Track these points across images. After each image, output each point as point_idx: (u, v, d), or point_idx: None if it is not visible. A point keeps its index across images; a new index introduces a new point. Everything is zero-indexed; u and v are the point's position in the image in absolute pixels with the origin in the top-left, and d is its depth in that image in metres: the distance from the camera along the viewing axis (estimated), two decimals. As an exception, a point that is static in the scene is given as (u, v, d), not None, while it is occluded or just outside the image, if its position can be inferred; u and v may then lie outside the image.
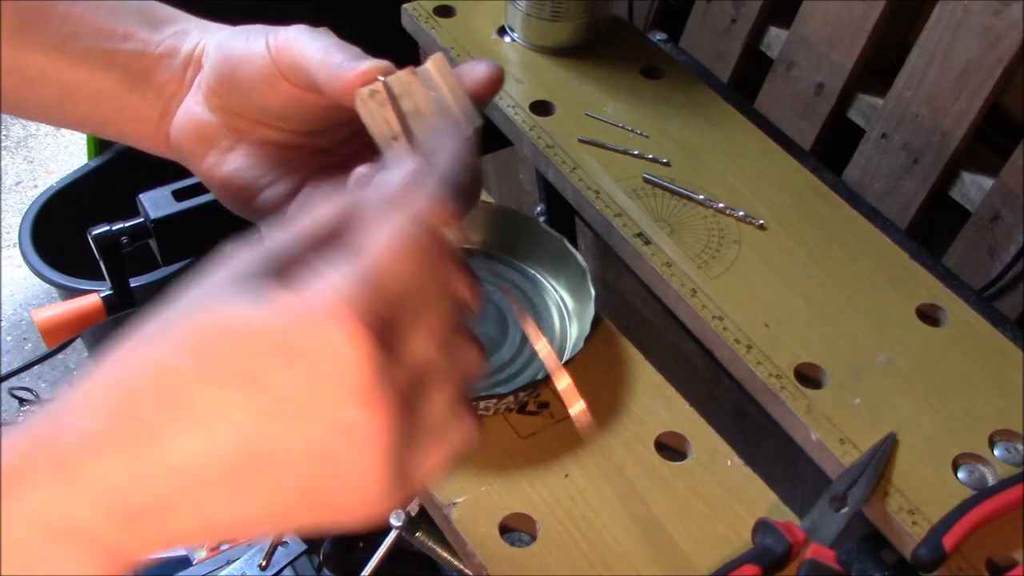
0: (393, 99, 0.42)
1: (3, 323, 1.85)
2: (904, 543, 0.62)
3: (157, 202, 0.78)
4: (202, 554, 1.28)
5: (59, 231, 1.52)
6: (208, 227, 0.75)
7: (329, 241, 0.33)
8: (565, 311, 0.75)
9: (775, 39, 1.00)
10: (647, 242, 0.77)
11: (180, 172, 0.54)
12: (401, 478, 0.34)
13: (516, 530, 0.63)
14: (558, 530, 0.62)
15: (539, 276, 0.77)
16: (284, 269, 0.32)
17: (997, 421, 0.67)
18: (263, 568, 1.19)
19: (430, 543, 0.80)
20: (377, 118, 0.42)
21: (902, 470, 0.65)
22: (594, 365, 0.71)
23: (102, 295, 0.80)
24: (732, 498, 0.65)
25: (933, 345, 0.72)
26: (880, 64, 0.94)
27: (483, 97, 0.44)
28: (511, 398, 0.67)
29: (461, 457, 0.36)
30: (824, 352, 0.71)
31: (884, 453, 0.65)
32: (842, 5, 0.91)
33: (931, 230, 0.90)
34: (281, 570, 1.20)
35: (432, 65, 0.43)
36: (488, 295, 0.75)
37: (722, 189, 0.82)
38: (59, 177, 1.63)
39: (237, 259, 0.33)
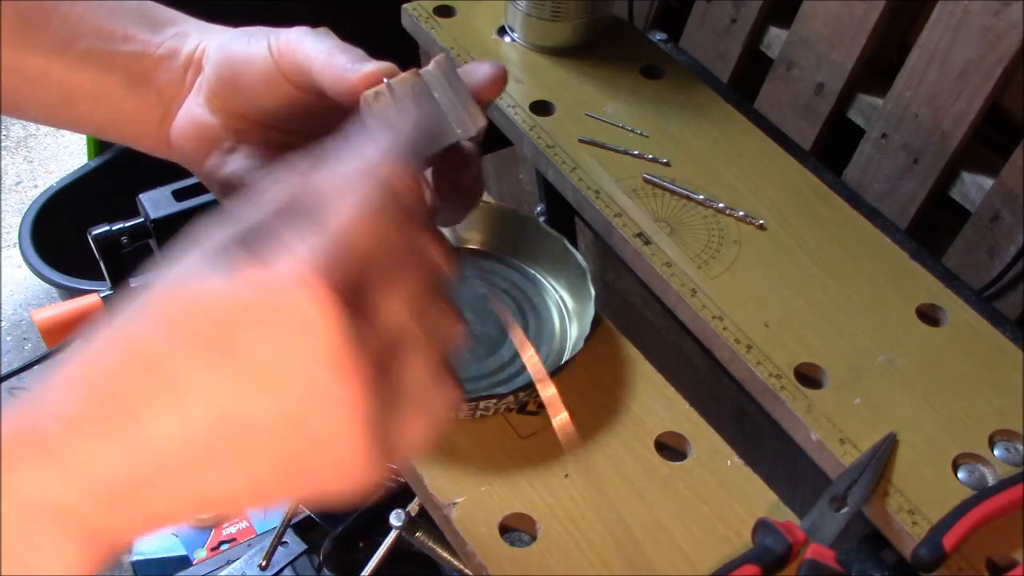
0: (396, 101, 0.42)
1: (3, 323, 1.85)
2: (904, 543, 0.62)
3: (157, 202, 0.78)
4: (202, 554, 1.28)
5: (59, 231, 1.52)
6: (208, 227, 0.75)
7: (295, 213, 0.33)
8: (565, 311, 0.75)
9: (775, 39, 1.00)
10: (647, 242, 0.78)
11: (180, 172, 0.55)
12: (383, 446, 0.34)
13: (516, 530, 0.63)
14: (558, 530, 0.62)
15: (539, 276, 0.77)
16: (253, 243, 0.32)
17: (997, 421, 0.67)
18: (263, 568, 1.19)
19: (430, 543, 0.80)
20: (382, 120, 0.42)
21: (902, 470, 0.65)
22: (594, 365, 0.71)
23: (102, 295, 0.80)
24: (732, 498, 0.65)
25: (933, 345, 0.72)
26: (880, 64, 0.94)
27: (486, 98, 0.44)
28: (511, 398, 0.67)
29: (444, 425, 0.37)
30: (824, 352, 0.71)
31: (884, 453, 0.65)
32: (842, 5, 0.91)
33: (931, 230, 0.90)
34: (281, 570, 1.20)
35: (436, 67, 0.43)
36: (488, 295, 0.75)
37: (722, 189, 0.82)
38: (59, 177, 1.63)
39: (206, 236, 0.33)
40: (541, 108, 0.88)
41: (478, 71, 0.44)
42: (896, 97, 0.89)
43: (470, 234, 0.79)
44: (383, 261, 0.33)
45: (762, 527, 0.62)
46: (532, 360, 0.50)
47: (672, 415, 0.69)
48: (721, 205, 0.81)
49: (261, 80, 0.47)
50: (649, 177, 0.83)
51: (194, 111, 0.49)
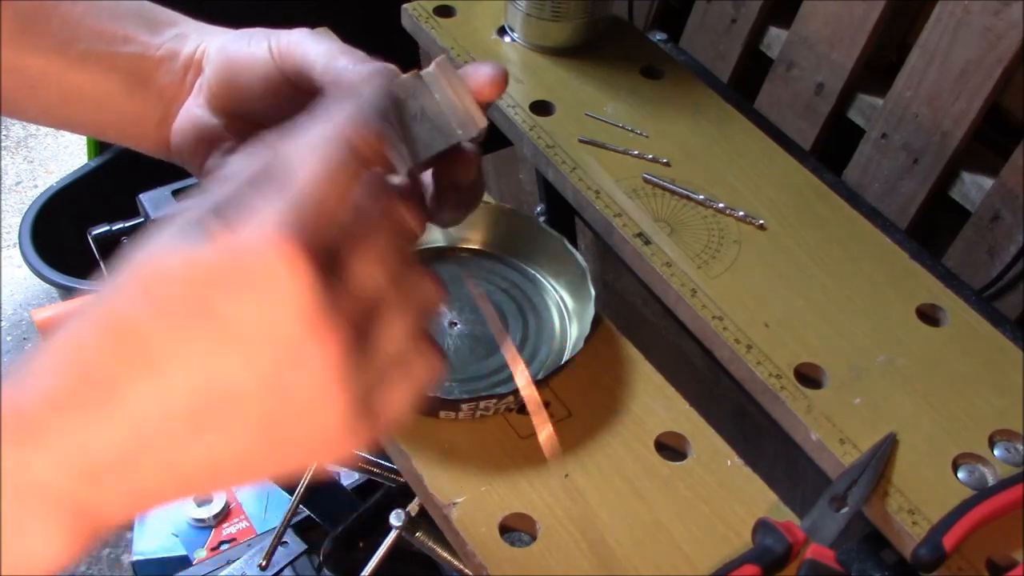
0: (397, 103, 0.42)
1: (3, 323, 1.85)
2: (904, 543, 0.62)
3: (157, 202, 0.78)
4: (202, 554, 1.29)
5: (59, 231, 1.52)
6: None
7: (264, 180, 0.34)
8: (565, 311, 0.75)
9: (775, 39, 1.00)
10: (647, 242, 0.78)
11: (180, 172, 0.55)
12: (364, 411, 0.34)
13: (516, 530, 0.63)
14: (558, 530, 0.62)
15: (539, 276, 0.77)
16: (225, 213, 0.33)
17: (997, 421, 0.67)
18: (263, 568, 1.19)
19: (430, 543, 0.80)
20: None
21: (902, 470, 0.65)
22: (594, 365, 0.71)
23: (102, 295, 0.80)
24: (732, 498, 0.65)
25: (933, 345, 0.73)
26: (880, 64, 0.94)
27: (487, 98, 0.44)
28: (511, 398, 0.67)
29: (426, 392, 0.37)
30: (824, 352, 0.71)
31: (884, 453, 0.65)
32: (842, 5, 0.91)
33: (931, 230, 0.90)
34: (281, 570, 1.20)
35: (436, 68, 0.43)
36: (488, 295, 0.75)
37: (722, 189, 0.82)
38: (59, 177, 1.63)
39: (179, 212, 0.33)
40: (541, 108, 0.88)
41: (478, 72, 0.44)
42: (896, 97, 0.89)
43: (470, 234, 0.78)
44: (350, 219, 0.34)
45: (762, 527, 0.62)
46: (523, 377, 0.50)
47: (672, 415, 0.69)
48: (721, 205, 0.81)
49: (261, 81, 0.47)
50: (649, 177, 0.83)
51: (194, 112, 0.50)
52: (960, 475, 0.65)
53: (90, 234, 0.77)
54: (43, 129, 2.21)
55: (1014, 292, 0.84)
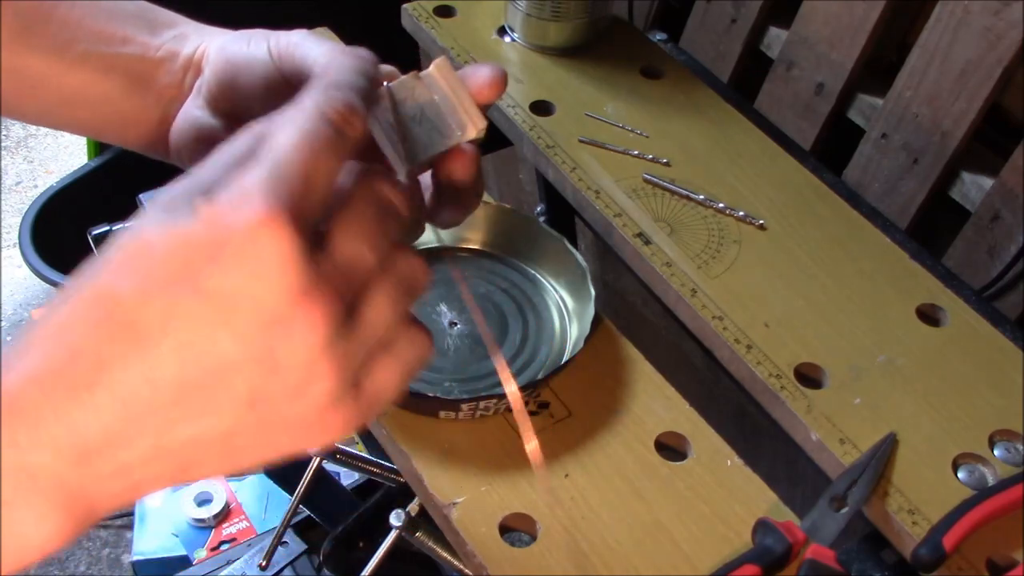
0: (396, 104, 0.42)
1: (3, 323, 1.85)
2: (904, 543, 0.62)
3: (157, 202, 0.78)
4: (202, 554, 1.29)
5: (59, 231, 1.52)
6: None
7: (245, 157, 0.34)
8: (565, 311, 0.75)
9: (775, 39, 1.00)
10: (647, 242, 0.78)
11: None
12: (352, 388, 0.35)
13: (516, 530, 0.63)
14: (558, 530, 0.62)
15: (539, 276, 0.77)
16: (208, 189, 0.33)
17: (997, 421, 0.67)
18: (263, 568, 1.19)
19: (430, 543, 0.80)
20: (382, 123, 0.42)
21: (902, 470, 0.65)
22: (594, 365, 0.71)
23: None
24: (732, 498, 0.65)
25: (933, 345, 0.73)
26: (880, 64, 0.94)
27: (486, 99, 0.44)
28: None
29: (415, 371, 0.37)
30: (824, 352, 0.71)
31: (884, 453, 0.65)
32: (842, 5, 0.91)
33: (931, 230, 0.90)
34: (281, 570, 1.20)
35: (436, 69, 0.43)
36: (488, 295, 0.75)
37: (722, 189, 0.83)
38: (59, 177, 1.63)
39: (164, 193, 0.34)
40: (541, 108, 0.88)
41: (478, 73, 0.44)
42: (896, 97, 0.89)
43: (470, 234, 0.78)
44: (333, 192, 0.34)
45: (762, 527, 0.62)
46: (512, 392, 0.50)
47: (672, 415, 0.69)
48: (721, 205, 0.81)
49: (261, 82, 0.47)
50: (649, 177, 0.83)
51: (193, 113, 0.49)
52: (960, 475, 0.65)
53: (90, 234, 0.77)
54: (43, 129, 2.21)
55: (1014, 292, 0.84)
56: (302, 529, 1.23)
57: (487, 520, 0.63)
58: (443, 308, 0.73)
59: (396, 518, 0.79)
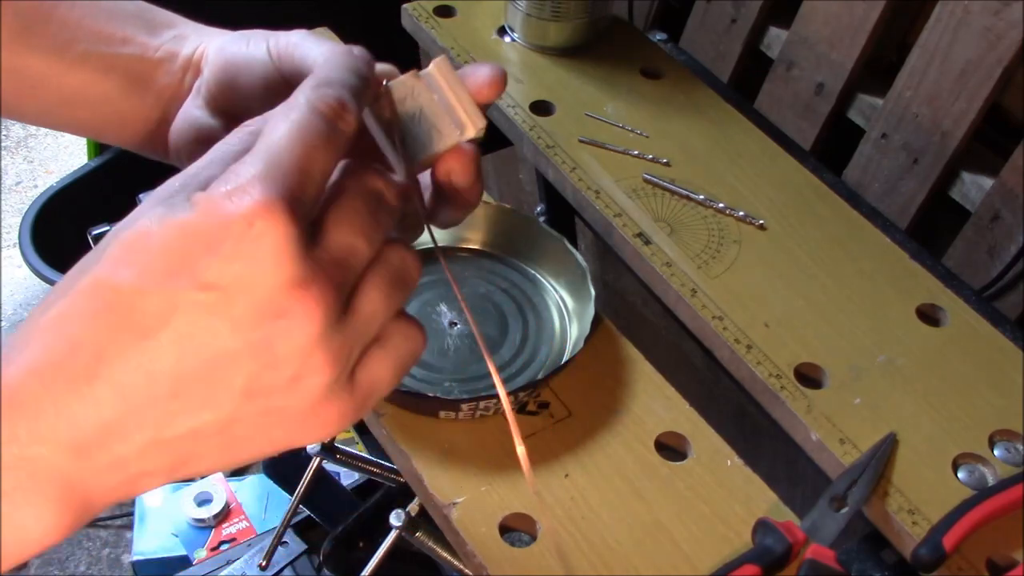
0: (396, 103, 0.42)
1: (3, 323, 1.85)
2: (904, 543, 0.62)
3: (157, 202, 0.78)
4: (202, 554, 1.29)
5: (59, 231, 1.52)
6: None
7: (241, 152, 0.34)
8: (565, 311, 0.75)
9: (775, 39, 1.00)
10: (647, 242, 0.78)
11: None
12: (348, 381, 0.35)
13: (516, 530, 0.63)
14: (558, 530, 0.62)
15: (539, 276, 0.77)
16: (206, 181, 0.33)
17: (997, 421, 0.67)
18: (263, 568, 1.19)
19: (430, 543, 0.80)
20: (381, 122, 0.42)
21: (902, 470, 0.65)
22: (594, 365, 0.71)
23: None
24: (732, 498, 0.65)
25: (933, 345, 0.73)
26: (880, 64, 0.94)
27: (486, 99, 0.44)
28: (511, 398, 0.67)
29: (408, 366, 0.38)
30: (824, 352, 0.71)
31: (884, 453, 0.65)
32: (842, 5, 0.91)
33: (931, 230, 0.90)
34: (281, 570, 1.20)
35: (435, 69, 0.43)
36: (488, 295, 0.75)
37: (722, 189, 0.83)
38: (59, 177, 1.63)
39: (161, 187, 0.34)
40: (541, 108, 0.88)
41: (478, 73, 0.44)
42: (896, 97, 0.89)
43: (470, 234, 0.78)
44: (323, 182, 0.35)
45: (762, 527, 0.62)
46: (504, 402, 0.50)
47: (672, 415, 0.69)
48: (721, 205, 0.81)
49: (260, 82, 0.47)
50: (649, 177, 0.83)
51: (193, 114, 0.49)
52: (960, 475, 0.65)
53: (90, 234, 0.77)
54: (43, 129, 2.21)
55: (1014, 292, 0.84)
56: (302, 529, 1.23)
57: (487, 520, 0.63)
58: (443, 308, 0.73)
59: (396, 518, 0.79)
